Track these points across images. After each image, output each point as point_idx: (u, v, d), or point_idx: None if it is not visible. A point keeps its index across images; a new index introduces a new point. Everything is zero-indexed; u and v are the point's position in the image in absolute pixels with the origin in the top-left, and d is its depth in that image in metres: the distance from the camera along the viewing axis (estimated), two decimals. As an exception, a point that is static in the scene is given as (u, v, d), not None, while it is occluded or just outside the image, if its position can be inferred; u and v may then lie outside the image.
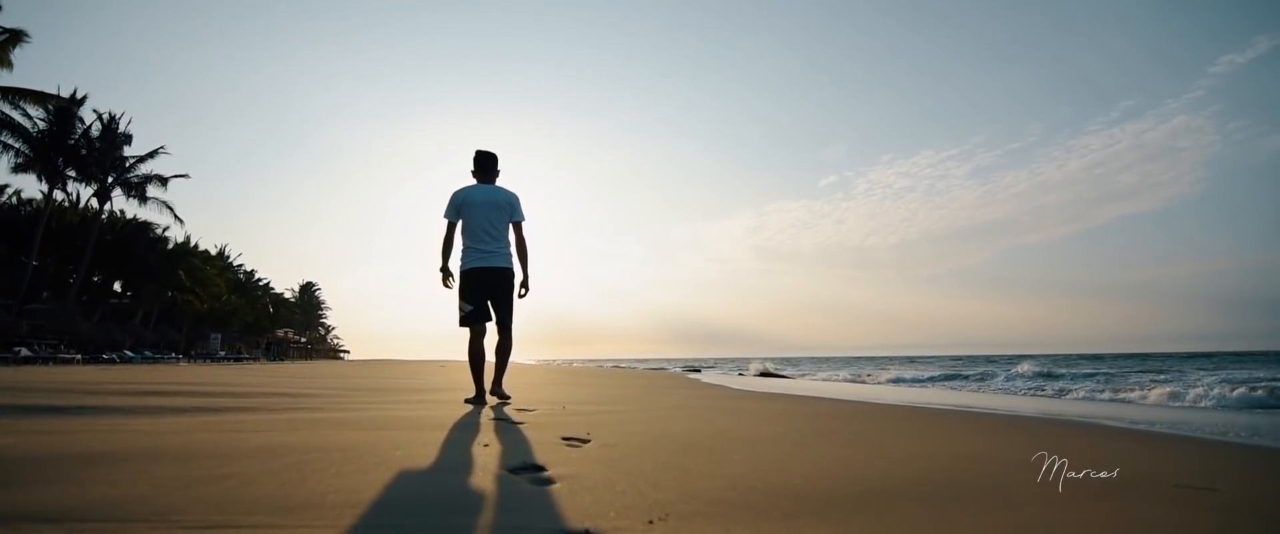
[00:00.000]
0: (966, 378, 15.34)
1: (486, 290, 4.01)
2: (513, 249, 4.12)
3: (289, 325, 64.10)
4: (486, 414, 3.44)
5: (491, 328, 4.09)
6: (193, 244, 41.36)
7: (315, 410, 3.41)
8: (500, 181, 4.26)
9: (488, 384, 4.13)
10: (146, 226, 33.56)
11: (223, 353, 36.73)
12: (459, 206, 4.05)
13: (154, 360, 25.79)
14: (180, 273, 35.54)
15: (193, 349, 40.29)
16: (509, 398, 4.16)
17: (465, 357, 4.11)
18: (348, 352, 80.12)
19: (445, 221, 4.09)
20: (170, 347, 38.76)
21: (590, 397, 5.43)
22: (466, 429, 2.72)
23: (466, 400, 4.05)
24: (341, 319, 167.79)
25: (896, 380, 15.49)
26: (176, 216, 32.39)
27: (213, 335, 37.34)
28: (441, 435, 2.47)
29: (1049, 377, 14.07)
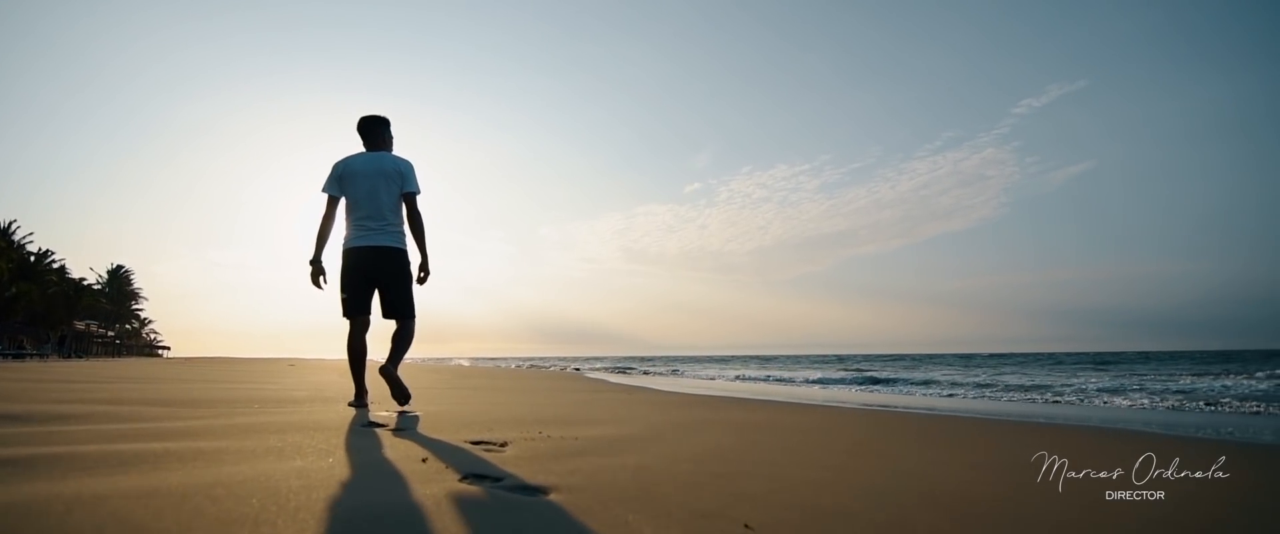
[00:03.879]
0: (881, 381, 14.94)
1: (371, 275, 3.41)
2: (406, 227, 3.51)
3: (93, 317, 54.37)
4: (414, 464, 1.75)
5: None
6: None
7: (23, 471, 1.52)
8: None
9: (370, 381, 3.61)
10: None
11: (-4, 348, 29.73)
12: (340, 178, 3.42)
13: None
14: (-66, 248, 28.37)
15: (-47, 344, 32.58)
16: (409, 401, 3.47)
17: (345, 354, 3.50)
18: (168, 348, 68.70)
19: (325, 198, 3.43)
20: (-81, 340, 31.11)
21: (541, 412, 3.75)
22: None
23: (351, 404, 3.50)
24: (162, 311, 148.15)
25: (872, 381, 14.69)
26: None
27: (-18, 327, 30.18)
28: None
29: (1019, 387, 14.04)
